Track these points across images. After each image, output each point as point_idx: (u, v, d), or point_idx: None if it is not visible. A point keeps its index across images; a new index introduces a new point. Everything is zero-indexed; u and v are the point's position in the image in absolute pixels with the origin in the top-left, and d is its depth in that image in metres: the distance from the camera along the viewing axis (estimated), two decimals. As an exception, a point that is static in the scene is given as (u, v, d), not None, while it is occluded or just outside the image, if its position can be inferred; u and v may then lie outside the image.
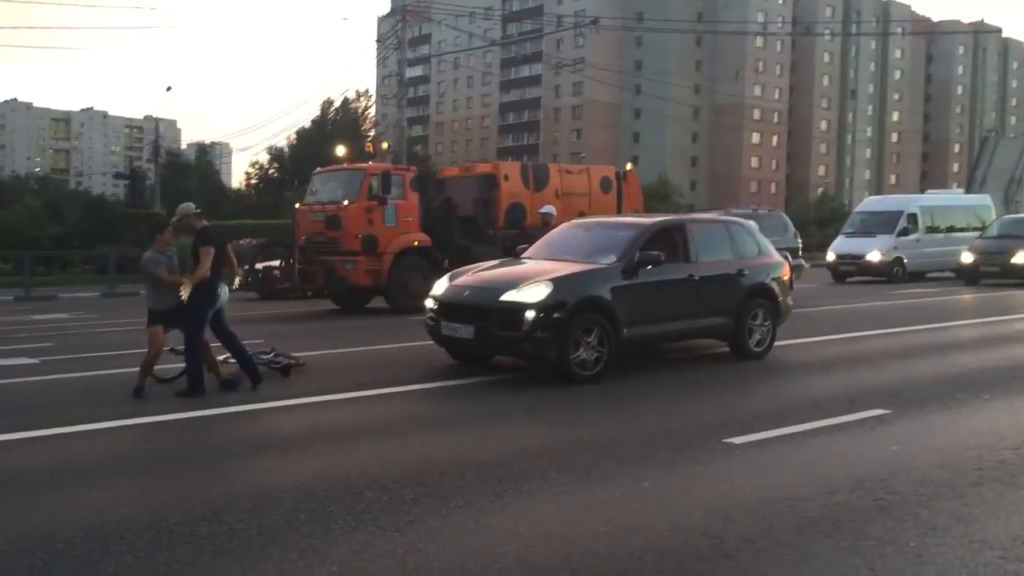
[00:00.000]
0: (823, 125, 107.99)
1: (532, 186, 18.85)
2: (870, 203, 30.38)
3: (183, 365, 8.67)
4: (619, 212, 19.25)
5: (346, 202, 17.24)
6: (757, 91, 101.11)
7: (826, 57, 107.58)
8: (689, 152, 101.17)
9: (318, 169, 19.75)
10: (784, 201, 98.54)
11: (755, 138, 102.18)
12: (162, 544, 4.46)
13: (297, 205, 20.04)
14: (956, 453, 6.26)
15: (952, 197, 32.14)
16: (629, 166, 21.89)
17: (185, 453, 6.43)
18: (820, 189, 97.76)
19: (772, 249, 11.67)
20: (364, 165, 19.22)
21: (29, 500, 5.28)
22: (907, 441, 6.71)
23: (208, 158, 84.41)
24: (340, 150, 29.86)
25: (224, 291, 8.70)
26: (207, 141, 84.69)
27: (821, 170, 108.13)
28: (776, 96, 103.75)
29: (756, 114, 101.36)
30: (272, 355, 9.65)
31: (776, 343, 11.02)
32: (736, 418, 7.42)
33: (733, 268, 10.61)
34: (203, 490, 5.43)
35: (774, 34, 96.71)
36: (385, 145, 27.82)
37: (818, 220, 53.70)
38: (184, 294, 8.26)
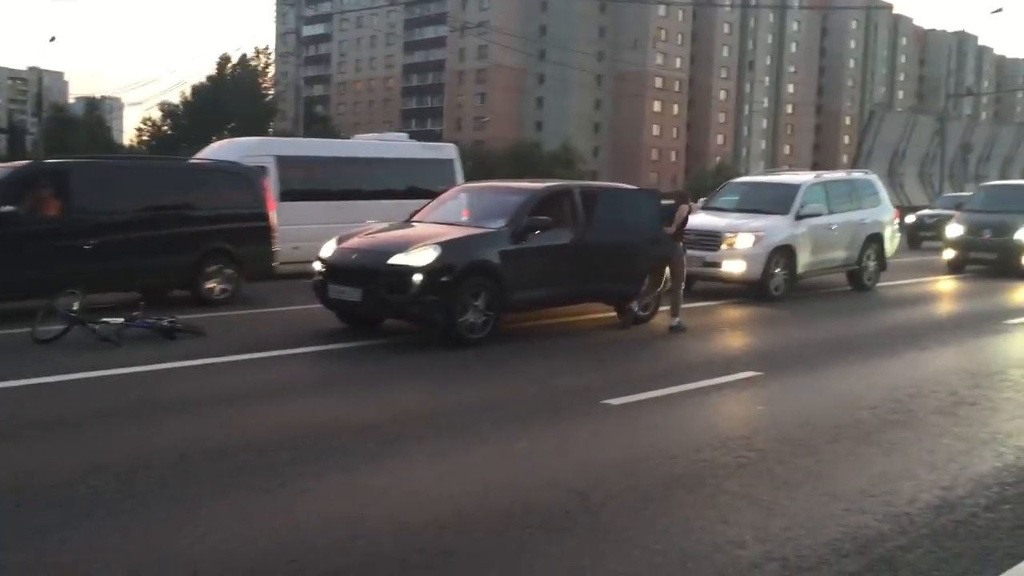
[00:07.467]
0: (722, 95, 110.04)
1: None
2: None
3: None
4: None
5: None
6: (659, 60, 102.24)
7: (726, 28, 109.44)
8: (592, 119, 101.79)
9: None
10: (684, 170, 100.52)
11: (656, 106, 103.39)
12: (25, 509, 4.37)
13: None
14: (816, 413, 6.61)
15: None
16: None
17: (57, 416, 6.24)
18: (718, 159, 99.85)
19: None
20: None
21: None
22: (772, 402, 7.05)
23: (97, 113, 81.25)
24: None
25: None
26: (96, 95, 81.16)
27: (720, 140, 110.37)
28: (677, 65, 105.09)
29: (658, 82, 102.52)
30: (168, 322, 9.28)
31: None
32: (617, 381, 7.64)
33: (628, 237, 10.70)
34: (74, 454, 5.31)
35: (676, 3, 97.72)
36: None
37: (716, 189, 54.49)
38: None
